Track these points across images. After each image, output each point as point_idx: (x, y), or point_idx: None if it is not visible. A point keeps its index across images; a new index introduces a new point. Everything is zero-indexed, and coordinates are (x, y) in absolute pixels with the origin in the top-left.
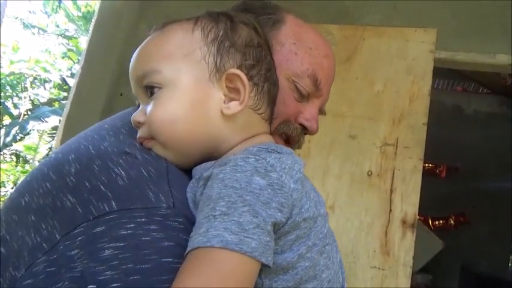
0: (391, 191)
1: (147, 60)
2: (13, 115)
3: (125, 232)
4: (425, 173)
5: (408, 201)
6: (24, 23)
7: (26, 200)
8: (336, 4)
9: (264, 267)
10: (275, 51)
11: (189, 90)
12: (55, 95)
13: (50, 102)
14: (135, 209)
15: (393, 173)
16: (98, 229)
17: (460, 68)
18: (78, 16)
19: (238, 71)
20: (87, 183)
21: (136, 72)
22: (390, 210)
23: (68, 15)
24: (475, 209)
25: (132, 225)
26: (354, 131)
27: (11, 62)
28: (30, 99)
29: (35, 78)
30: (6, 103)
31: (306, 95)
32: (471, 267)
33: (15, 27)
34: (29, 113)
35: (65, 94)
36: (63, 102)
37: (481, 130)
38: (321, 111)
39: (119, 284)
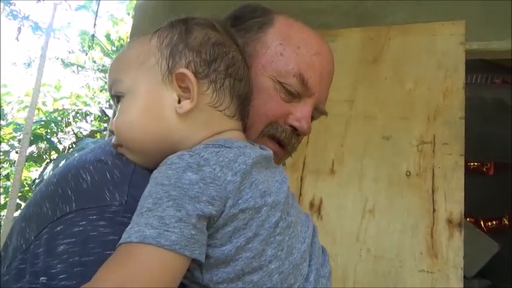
0: (433, 190)
1: (113, 71)
2: (59, 150)
3: (77, 229)
4: (472, 172)
5: (452, 200)
6: (64, 62)
7: (25, 210)
8: (358, 8)
9: (204, 262)
10: (260, 54)
11: (143, 95)
12: (96, 127)
13: (92, 134)
14: (89, 208)
15: (433, 172)
16: (58, 228)
17: (494, 57)
18: (112, 50)
19: (184, 70)
20: (60, 190)
21: (108, 83)
22: (434, 210)
23: (103, 51)
24: None
25: (84, 223)
26: (388, 132)
27: (55, 100)
28: (74, 133)
29: (76, 112)
30: (52, 139)
31: (295, 94)
32: None
33: (56, 67)
34: (74, 145)
35: (105, 125)
36: (104, 132)
37: None
38: (320, 111)
39: (65, 276)
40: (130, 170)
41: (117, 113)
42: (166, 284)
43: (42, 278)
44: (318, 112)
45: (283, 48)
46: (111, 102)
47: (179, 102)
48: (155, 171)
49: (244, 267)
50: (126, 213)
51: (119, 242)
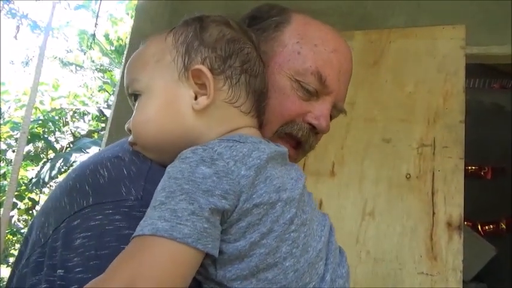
0: (433, 193)
1: (130, 71)
2: (56, 149)
3: (94, 223)
4: (470, 176)
5: (452, 203)
6: (62, 62)
7: (45, 205)
8: (359, 10)
9: (218, 258)
10: (277, 52)
11: (160, 93)
12: (94, 127)
13: (89, 134)
14: (106, 202)
15: (433, 174)
16: (75, 222)
17: (494, 62)
18: (111, 50)
19: (200, 66)
20: (78, 185)
21: (125, 83)
22: (433, 213)
23: (102, 50)
24: None
25: (101, 217)
26: (388, 135)
27: (52, 99)
28: (71, 132)
29: (74, 112)
30: (49, 138)
31: (313, 93)
32: None
33: (54, 66)
34: (71, 145)
35: (103, 125)
36: (102, 132)
37: None
38: (338, 109)
39: (81, 269)
40: (147, 166)
41: (134, 112)
42: (178, 276)
43: (59, 270)
44: (336, 110)
45: (300, 47)
46: (110, 102)
47: (196, 98)
48: (169, 165)
49: (259, 264)
50: (142, 208)
51: (133, 235)
